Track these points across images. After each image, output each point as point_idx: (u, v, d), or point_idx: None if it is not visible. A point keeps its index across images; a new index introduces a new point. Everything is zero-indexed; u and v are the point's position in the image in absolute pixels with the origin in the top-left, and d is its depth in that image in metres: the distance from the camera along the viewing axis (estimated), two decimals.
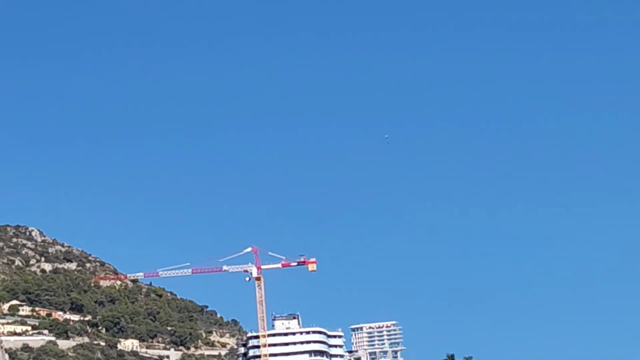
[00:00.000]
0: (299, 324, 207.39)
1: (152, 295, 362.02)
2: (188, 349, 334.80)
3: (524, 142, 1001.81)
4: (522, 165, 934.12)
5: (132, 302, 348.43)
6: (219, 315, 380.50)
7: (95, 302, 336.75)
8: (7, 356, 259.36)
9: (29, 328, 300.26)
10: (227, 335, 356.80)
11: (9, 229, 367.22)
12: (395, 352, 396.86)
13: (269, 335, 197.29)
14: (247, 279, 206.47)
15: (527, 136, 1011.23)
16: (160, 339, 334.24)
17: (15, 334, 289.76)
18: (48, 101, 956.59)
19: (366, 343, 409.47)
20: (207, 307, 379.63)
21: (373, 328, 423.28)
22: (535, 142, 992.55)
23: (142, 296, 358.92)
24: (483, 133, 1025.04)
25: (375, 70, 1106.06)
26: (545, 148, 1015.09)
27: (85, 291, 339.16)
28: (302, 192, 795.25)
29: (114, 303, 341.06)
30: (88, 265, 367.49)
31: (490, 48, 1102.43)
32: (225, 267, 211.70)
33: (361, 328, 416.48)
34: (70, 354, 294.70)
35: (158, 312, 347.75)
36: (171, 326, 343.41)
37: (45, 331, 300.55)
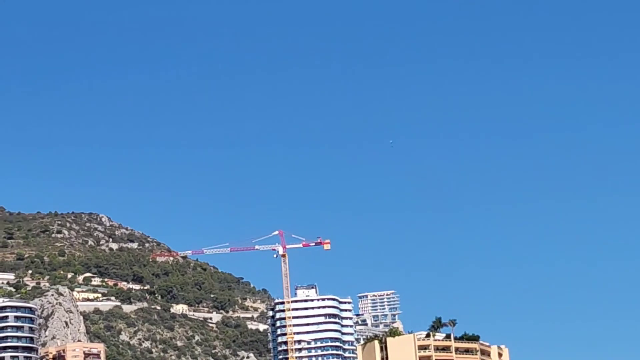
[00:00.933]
0: (316, 292, 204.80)
1: (198, 269, 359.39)
2: (227, 312, 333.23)
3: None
4: (517, 144, 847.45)
5: (182, 275, 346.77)
6: (252, 285, 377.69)
7: (153, 274, 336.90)
8: (82, 318, 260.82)
9: (99, 295, 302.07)
10: (259, 301, 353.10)
11: (83, 215, 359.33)
12: (394, 315, 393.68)
13: (292, 301, 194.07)
14: (275, 255, 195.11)
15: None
16: (204, 304, 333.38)
17: (88, 300, 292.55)
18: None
19: (370, 308, 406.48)
20: (242, 278, 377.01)
21: (376, 296, 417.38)
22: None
23: (190, 269, 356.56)
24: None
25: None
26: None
27: (144, 265, 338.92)
28: (318, 183, 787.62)
29: (167, 275, 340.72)
30: (147, 244, 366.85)
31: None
32: (257, 247, 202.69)
33: (366, 296, 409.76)
34: (132, 316, 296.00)
35: (203, 283, 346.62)
36: (213, 294, 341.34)
37: (112, 297, 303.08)
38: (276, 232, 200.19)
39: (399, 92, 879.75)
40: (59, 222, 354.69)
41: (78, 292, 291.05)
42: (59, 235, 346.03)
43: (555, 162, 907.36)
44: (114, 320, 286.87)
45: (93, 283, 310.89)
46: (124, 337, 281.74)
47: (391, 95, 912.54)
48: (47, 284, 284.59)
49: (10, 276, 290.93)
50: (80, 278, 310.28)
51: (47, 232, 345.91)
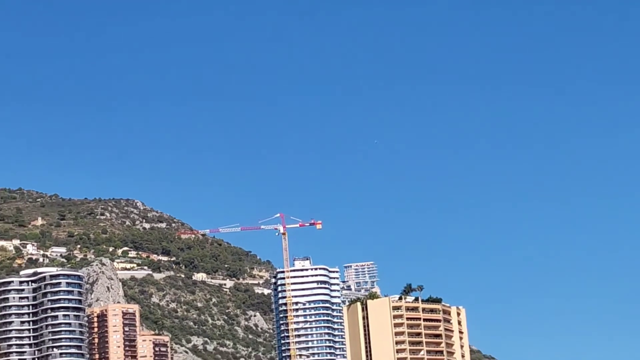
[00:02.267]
0: (310, 263, 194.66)
1: (215, 244, 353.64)
2: (238, 279, 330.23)
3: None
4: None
5: (202, 249, 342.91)
6: (258, 257, 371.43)
7: (178, 248, 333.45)
8: (120, 284, 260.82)
9: (135, 265, 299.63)
10: (264, 270, 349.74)
11: (122, 201, 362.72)
12: (373, 282, 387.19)
13: (291, 270, 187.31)
14: (277, 234, 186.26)
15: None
16: (220, 273, 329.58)
17: (125, 269, 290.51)
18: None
19: (354, 276, 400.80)
20: (250, 251, 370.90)
21: (358, 266, 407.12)
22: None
23: (208, 244, 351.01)
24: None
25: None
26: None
27: (171, 241, 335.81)
28: (313, 173, 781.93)
29: (190, 249, 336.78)
30: (173, 224, 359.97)
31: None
32: (262, 226, 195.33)
33: (350, 266, 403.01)
34: (161, 282, 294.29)
35: (219, 255, 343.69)
36: (227, 264, 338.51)
37: (145, 267, 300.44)
38: (278, 215, 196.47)
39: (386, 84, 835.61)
40: (102, 206, 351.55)
41: (117, 262, 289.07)
42: (102, 217, 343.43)
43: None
44: (147, 285, 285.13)
45: (129, 255, 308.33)
46: (154, 299, 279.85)
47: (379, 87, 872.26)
48: (92, 256, 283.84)
49: (63, 250, 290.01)
50: (119, 251, 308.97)
51: (93, 215, 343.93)
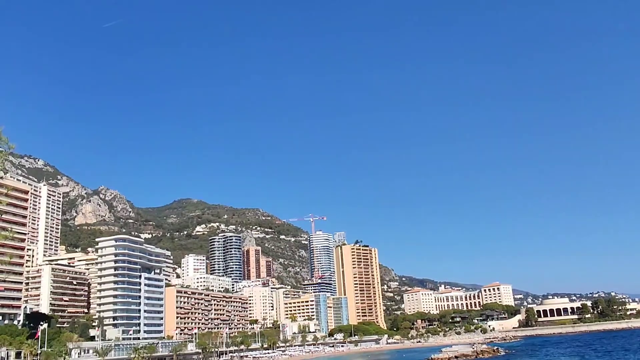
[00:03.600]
0: (322, 232, 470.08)
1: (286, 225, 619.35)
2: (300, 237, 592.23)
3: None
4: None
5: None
6: (305, 230, 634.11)
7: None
8: None
9: None
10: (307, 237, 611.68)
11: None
12: (344, 238, 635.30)
13: (315, 234, 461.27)
14: (311, 220, 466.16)
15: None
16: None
17: None
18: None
19: (338, 237, 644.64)
20: (301, 228, 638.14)
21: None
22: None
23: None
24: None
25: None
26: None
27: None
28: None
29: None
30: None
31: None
32: (305, 218, 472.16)
33: (336, 233, 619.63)
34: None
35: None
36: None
37: None
38: (310, 215, 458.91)
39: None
40: None
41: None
42: None
43: None
44: None
45: None
46: None
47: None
48: None
49: None
50: None
51: None
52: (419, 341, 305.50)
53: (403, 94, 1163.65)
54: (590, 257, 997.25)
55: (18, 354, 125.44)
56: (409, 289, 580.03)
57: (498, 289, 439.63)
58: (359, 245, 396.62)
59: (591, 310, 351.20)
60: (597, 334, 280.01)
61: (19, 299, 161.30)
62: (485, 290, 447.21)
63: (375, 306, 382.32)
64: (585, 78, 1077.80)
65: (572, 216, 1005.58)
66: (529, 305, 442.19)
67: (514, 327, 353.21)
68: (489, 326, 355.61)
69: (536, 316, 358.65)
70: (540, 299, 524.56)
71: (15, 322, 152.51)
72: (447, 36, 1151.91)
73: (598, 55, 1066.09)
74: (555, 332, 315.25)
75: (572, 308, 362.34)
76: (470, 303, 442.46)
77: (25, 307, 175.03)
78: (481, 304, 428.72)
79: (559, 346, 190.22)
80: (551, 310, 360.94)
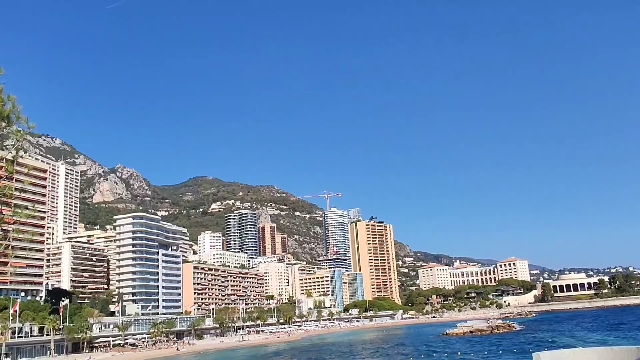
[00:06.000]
0: (337, 208, 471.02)
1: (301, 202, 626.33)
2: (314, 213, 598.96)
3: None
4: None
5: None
6: (319, 207, 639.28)
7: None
8: None
9: None
10: (320, 212, 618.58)
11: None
12: (359, 214, 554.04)
13: (330, 211, 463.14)
14: (326, 196, 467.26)
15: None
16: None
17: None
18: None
19: (352, 213, 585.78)
20: (316, 204, 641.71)
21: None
22: None
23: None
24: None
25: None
26: None
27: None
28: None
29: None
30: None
31: None
32: (320, 195, 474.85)
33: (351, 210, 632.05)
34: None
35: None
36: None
37: None
38: (325, 191, 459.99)
39: None
40: None
41: None
42: None
43: None
44: None
45: None
46: None
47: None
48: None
49: None
50: None
51: None
52: (434, 316, 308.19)
53: (419, 62, 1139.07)
54: (608, 231, 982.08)
55: (41, 329, 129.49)
56: (424, 264, 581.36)
57: (514, 264, 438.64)
58: (374, 222, 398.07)
59: (608, 286, 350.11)
60: (613, 309, 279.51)
61: (40, 275, 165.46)
62: (500, 265, 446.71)
63: (390, 282, 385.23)
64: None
65: (590, 189, 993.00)
66: (545, 281, 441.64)
67: (529, 303, 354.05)
68: (505, 301, 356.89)
69: (552, 291, 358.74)
70: (556, 275, 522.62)
71: (38, 298, 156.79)
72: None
73: None
74: (571, 308, 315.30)
75: (589, 283, 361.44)
76: (486, 278, 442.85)
77: (47, 283, 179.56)
78: (497, 279, 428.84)
79: (574, 321, 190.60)
80: (567, 286, 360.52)
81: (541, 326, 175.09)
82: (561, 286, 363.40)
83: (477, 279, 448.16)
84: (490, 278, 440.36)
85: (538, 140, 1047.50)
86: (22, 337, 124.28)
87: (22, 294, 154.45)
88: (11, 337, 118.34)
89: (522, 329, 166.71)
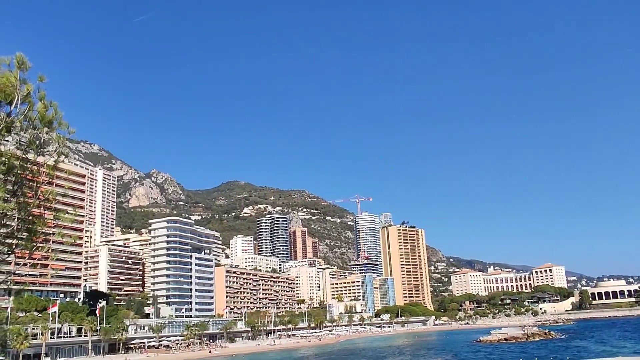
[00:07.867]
0: (368, 213, 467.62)
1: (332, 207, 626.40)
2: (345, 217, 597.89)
3: None
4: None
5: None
6: (351, 212, 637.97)
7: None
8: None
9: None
10: (352, 217, 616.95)
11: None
12: (390, 219, 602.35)
13: (361, 215, 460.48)
14: (357, 201, 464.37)
15: None
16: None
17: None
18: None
19: (386, 217, 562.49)
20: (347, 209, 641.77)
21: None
22: None
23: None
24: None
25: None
26: None
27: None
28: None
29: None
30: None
31: None
32: (351, 199, 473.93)
33: (383, 214, 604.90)
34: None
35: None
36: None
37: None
38: (356, 196, 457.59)
39: None
40: None
41: None
42: None
43: None
44: None
45: None
46: None
47: None
48: None
49: None
50: None
51: None
52: (467, 323, 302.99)
53: (450, 65, 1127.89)
54: None
55: (79, 330, 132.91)
56: (457, 270, 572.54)
57: (550, 270, 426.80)
58: (406, 226, 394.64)
59: None
60: None
61: (79, 277, 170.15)
62: (536, 271, 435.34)
63: (422, 287, 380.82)
64: None
65: (630, 194, 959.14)
66: (583, 288, 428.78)
67: (566, 310, 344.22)
68: (541, 309, 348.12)
69: (590, 299, 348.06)
70: (595, 281, 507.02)
71: (76, 300, 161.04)
72: None
73: None
74: (610, 316, 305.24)
75: (629, 291, 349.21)
76: (521, 285, 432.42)
77: (85, 285, 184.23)
78: (532, 285, 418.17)
79: (614, 329, 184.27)
80: (606, 293, 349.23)
81: (580, 334, 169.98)
82: (600, 293, 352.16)
83: (511, 285, 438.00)
84: (525, 284, 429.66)
85: (577, 145, 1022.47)
86: (60, 337, 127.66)
87: (61, 295, 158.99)
88: (50, 337, 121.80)
89: (559, 336, 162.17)
